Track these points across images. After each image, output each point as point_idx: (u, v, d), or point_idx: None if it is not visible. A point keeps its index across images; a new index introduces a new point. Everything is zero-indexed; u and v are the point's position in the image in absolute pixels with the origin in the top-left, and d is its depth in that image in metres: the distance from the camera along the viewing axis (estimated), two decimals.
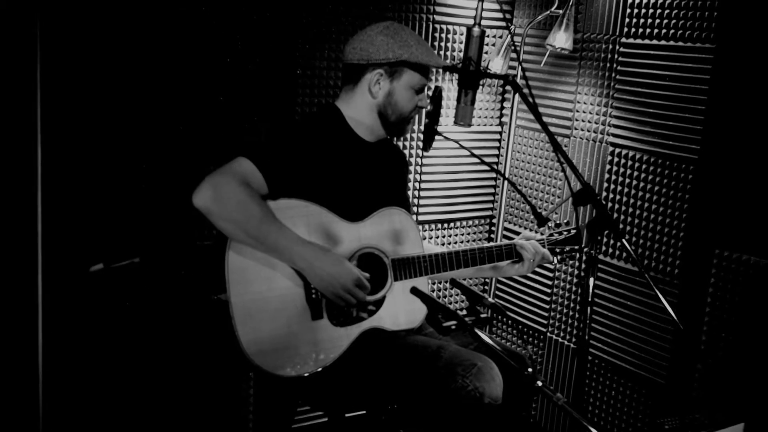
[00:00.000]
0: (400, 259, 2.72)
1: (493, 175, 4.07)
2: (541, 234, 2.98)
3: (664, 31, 3.22)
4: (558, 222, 3.01)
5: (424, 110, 2.86)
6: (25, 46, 2.72)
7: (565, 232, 2.99)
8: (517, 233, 3.96)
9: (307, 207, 2.60)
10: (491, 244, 2.89)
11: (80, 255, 2.94)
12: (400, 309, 2.71)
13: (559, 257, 3.00)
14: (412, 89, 2.76)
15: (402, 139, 3.67)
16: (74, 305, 2.96)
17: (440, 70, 3.72)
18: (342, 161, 2.71)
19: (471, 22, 2.89)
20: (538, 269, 3.79)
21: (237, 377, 3.41)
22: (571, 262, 3.72)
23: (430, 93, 2.89)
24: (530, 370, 2.07)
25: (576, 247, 2.99)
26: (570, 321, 3.75)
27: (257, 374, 3.27)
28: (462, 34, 3.73)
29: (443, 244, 3.96)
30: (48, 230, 2.84)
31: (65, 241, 2.90)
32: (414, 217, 3.70)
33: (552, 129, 3.59)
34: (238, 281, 2.50)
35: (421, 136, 3.67)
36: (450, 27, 3.71)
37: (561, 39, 3.52)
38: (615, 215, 3.45)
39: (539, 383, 2.01)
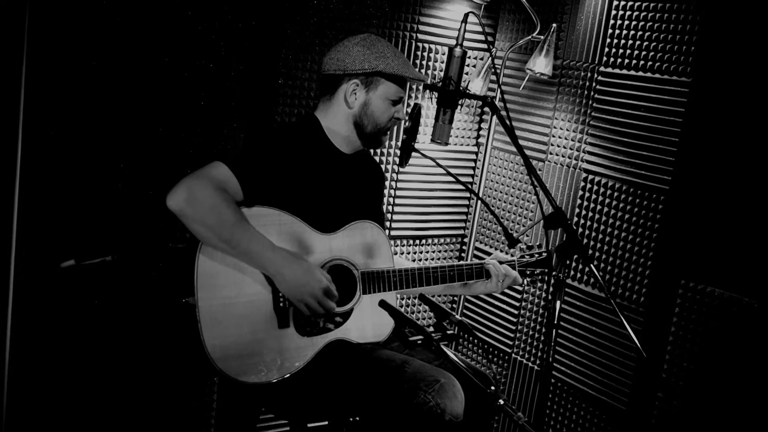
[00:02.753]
0: (369, 273, 2.74)
1: (467, 194, 4.09)
2: (512, 255, 3.01)
3: (642, 62, 3.26)
4: (530, 244, 3.04)
5: (402, 126, 2.88)
6: (11, 45, 2.72)
7: (536, 255, 3.02)
8: (488, 253, 3.98)
9: (280, 216, 2.61)
10: (462, 262, 2.91)
11: (53, 250, 2.93)
12: (367, 322, 2.72)
13: (528, 279, 3.04)
14: (389, 100, 2.78)
15: (379, 152, 3.69)
16: (43, 300, 2.95)
17: (420, 88, 3.75)
18: (318, 172, 2.72)
19: (453, 42, 2.92)
20: (506, 290, 3.81)
21: (200, 382, 3.41)
22: (539, 284, 3.74)
23: (410, 109, 2.91)
24: (493, 388, 2.09)
25: (545, 270, 3.02)
26: (535, 343, 3.78)
27: (221, 379, 3.27)
28: (444, 54, 3.77)
29: (414, 260, 3.98)
30: (23, 224, 2.83)
31: (39, 235, 2.89)
32: (387, 231, 3.72)
33: (527, 152, 3.62)
34: (207, 286, 2.51)
35: (398, 151, 3.69)
36: (432, 46, 3.75)
37: (541, 64, 3.56)
38: (585, 240, 3.48)
39: (501, 402, 2.03)
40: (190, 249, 2.51)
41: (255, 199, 2.57)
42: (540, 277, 3.04)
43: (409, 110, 2.91)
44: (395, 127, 3.66)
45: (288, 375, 2.57)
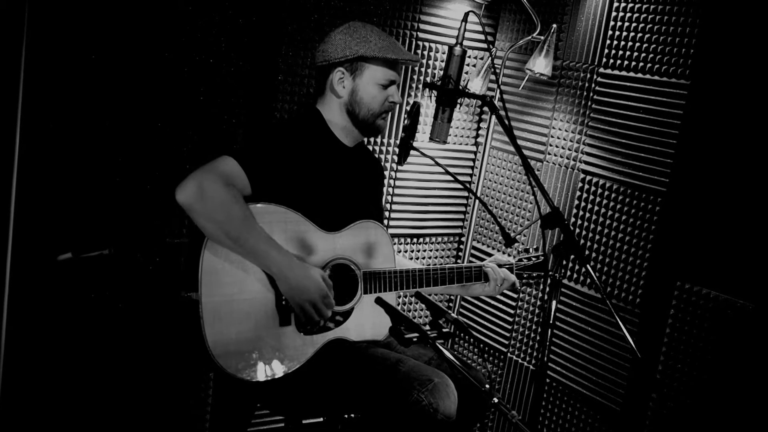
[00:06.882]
0: (371, 273, 2.74)
1: (465, 193, 4.10)
2: (512, 258, 3.02)
3: (641, 64, 3.27)
4: (527, 248, 3.04)
5: (401, 124, 2.87)
6: (10, 38, 2.72)
7: (534, 258, 3.03)
8: (485, 252, 3.99)
9: (286, 214, 2.61)
10: (461, 264, 2.92)
11: (50, 242, 2.93)
12: (367, 321, 2.73)
13: (525, 282, 3.04)
14: (378, 85, 2.78)
15: (377, 150, 3.69)
16: (40, 292, 2.95)
17: (420, 87, 3.75)
18: (324, 166, 2.73)
19: (453, 41, 2.92)
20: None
21: (196, 377, 3.41)
22: (535, 284, 3.75)
23: (409, 108, 2.91)
24: (488, 386, 2.10)
25: (542, 274, 3.03)
26: (531, 343, 3.78)
27: (217, 375, 3.27)
28: (444, 53, 3.77)
29: (412, 258, 3.98)
30: (20, 216, 2.83)
31: (36, 228, 2.89)
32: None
33: (526, 152, 3.62)
34: (211, 282, 2.51)
35: (396, 149, 3.69)
36: (433, 45, 3.75)
37: (540, 64, 3.56)
38: (581, 241, 3.49)
39: (495, 400, 2.04)
40: (195, 245, 2.51)
41: (262, 195, 2.57)
42: (537, 281, 3.05)
43: (408, 108, 2.91)
44: (395, 125, 3.66)
45: (287, 373, 2.57)
